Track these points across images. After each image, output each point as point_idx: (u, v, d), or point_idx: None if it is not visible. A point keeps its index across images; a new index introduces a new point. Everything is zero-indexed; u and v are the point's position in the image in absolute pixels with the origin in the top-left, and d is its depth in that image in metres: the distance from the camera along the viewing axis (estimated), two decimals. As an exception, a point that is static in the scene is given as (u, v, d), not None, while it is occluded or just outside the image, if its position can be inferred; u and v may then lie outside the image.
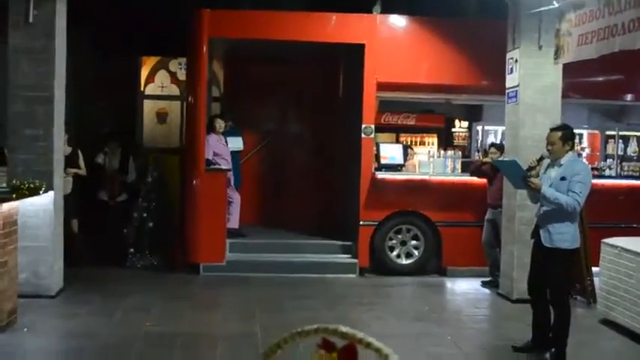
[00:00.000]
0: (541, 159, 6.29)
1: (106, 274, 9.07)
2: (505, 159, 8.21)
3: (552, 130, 6.25)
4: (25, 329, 6.61)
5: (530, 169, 6.24)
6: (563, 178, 5.97)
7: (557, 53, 7.75)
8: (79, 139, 9.71)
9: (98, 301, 7.76)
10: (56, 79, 7.80)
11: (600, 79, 10.31)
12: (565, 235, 5.97)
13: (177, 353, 6.07)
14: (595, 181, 6.92)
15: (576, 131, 8.18)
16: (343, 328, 1.13)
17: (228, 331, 6.85)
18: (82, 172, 9.50)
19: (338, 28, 9.69)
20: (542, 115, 8.33)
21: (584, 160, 6.41)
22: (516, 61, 8.47)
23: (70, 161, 9.03)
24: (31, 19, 7.62)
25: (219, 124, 9.93)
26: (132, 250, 9.75)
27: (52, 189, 7.64)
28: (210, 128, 9.80)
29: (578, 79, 9.59)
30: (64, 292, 8.05)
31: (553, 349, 6.12)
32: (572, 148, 6.17)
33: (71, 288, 8.17)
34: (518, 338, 6.60)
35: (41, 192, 7.18)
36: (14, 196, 6.67)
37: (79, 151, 9.49)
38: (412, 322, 7.52)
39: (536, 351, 6.26)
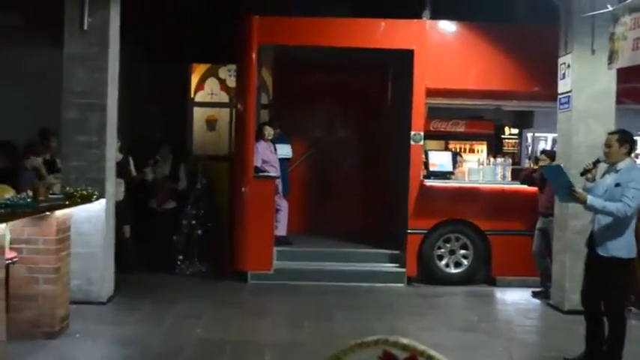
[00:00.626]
0: (597, 162, 6.17)
1: (156, 281, 9.16)
2: (551, 164, 8.03)
3: (610, 133, 6.14)
4: (77, 335, 6.69)
5: (586, 171, 6.13)
6: (617, 185, 5.84)
7: (612, 58, 7.58)
8: (130, 146, 9.84)
9: (148, 308, 7.83)
10: (109, 87, 7.92)
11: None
12: (621, 244, 5.83)
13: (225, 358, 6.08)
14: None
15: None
16: (404, 340, 1.10)
17: (277, 339, 6.85)
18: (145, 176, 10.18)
19: (387, 33, 9.65)
20: (596, 122, 8.16)
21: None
22: (568, 66, 8.32)
23: (122, 168, 9.15)
24: (85, 27, 7.76)
25: (268, 131, 9.96)
26: (181, 257, 9.84)
27: (104, 196, 7.75)
28: (260, 135, 9.83)
29: (633, 84, 9.37)
30: (115, 298, 8.14)
31: None
32: (629, 152, 6.01)
33: (121, 295, 8.27)
34: (571, 350, 6.45)
35: (93, 199, 7.29)
36: (67, 203, 6.77)
37: (130, 158, 9.62)
38: (462, 332, 7.41)
39: None
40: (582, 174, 6.25)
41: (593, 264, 6.09)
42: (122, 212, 8.97)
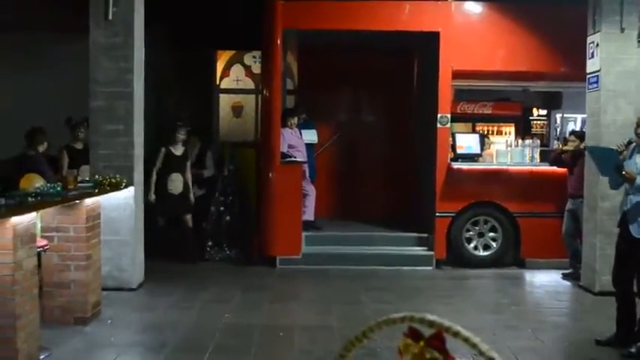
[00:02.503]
0: (629, 143, 6.10)
1: (185, 267, 9.23)
2: (600, 146, 7.85)
3: None
4: (109, 321, 6.78)
5: (619, 153, 6.06)
6: None
7: (641, 35, 7.47)
8: (157, 134, 9.91)
9: (178, 294, 7.90)
10: (135, 75, 7.97)
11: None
12: None
13: (256, 344, 6.12)
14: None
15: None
16: (430, 317, 1.09)
17: (305, 323, 6.87)
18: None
19: (412, 16, 9.58)
20: (625, 101, 8.06)
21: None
22: (597, 45, 8.21)
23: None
24: (110, 16, 7.81)
25: (291, 122, 9.92)
26: (210, 243, 9.90)
27: (132, 184, 7.81)
28: (284, 122, 9.84)
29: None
30: (145, 284, 8.23)
31: (638, 343, 5.91)
32: None
33: (151, 281, 8.35)
34: (601, 331, 6.40)
35: (122, 187, 7.36)
36: (96, 191, 6.84)
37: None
38: (491, 314, 7.39)
39: (621, 345, 6.05)
40: (618, 153, 6.19)
41: (625, 245, 6.03)
42: (181, 203, 9.56)
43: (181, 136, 9.57)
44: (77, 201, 6.42)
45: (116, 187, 7.20)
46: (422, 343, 1.14)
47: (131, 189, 7.79)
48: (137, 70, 8.04)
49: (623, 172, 5.89)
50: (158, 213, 9.55)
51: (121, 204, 7.79)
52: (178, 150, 9.57)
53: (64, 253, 6.50)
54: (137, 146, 8.08)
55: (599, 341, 6.19)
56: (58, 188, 6.10)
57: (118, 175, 7.27)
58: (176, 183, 9.49)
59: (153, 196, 9.32)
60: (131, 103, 7.94)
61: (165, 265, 9.05)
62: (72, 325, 6.47)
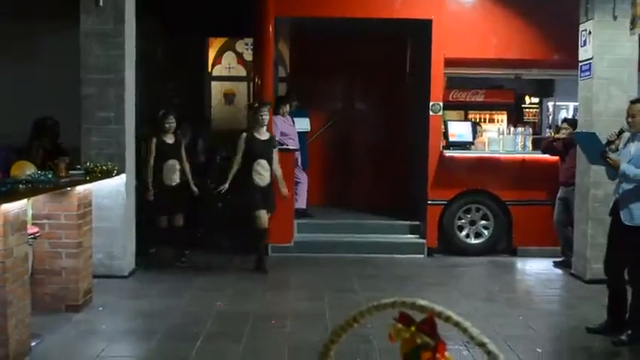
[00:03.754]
0: (621, 132, 6.11)
1: (177, 255, 9.22)
2: (583, 131, 7.91)
3: (632, 102, 6.06)
4: (100, 308, 6.77)
5: (610, 142, 6.07)
6: None
7: (634, 23, 7.46)
8: (149, 121, 9.86)
9: (169, 281, 7.90)
10: (126, 62, 7.94)
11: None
12: None
13: (248, 332, 6.12)
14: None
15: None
16: (421, 302, 1.09)
17: (297, 311, 6.88)
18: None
19: (405, 3, 9.55)
20: (617, 89, 8.06)
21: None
22: (590, 32, 8.20)
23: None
24: (101, 3, 7.76)
25: (283, 109, 9.89)
26: (202, 230, 9.89)
27: (124, 171, 7.79)
28: (275, 111, 9.81)
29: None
30: (137, 272, 8.22)
31: (629, 331, 5.94)
32: None
33: (143, 268, 8.35)
34: (592, 319, 6.44)
35: (114, 174, 7.34)
36: (88, 178, 6.82)
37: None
38: (482, 302, 7.41)
39: (612, 332, 6.08)
40: (606, 145, 6.18)
41: (616, 233, 6.04)
42: (176, 199, 8.78)
43: (170, 124, 8.91)
44: (68, 188, 6.40)
45: (108, 174, 7.19)
46: (413, 328, 1.14)
47: (123, 176, 7.77)
48: (128, 58, 8.01)
49: (608, 159, 5.91)
50: (157, 211, 8.69)
51: (112, 191, 7.77)
52: (170, 138, 8.89)
53: (55, 240, 6.49)
54: (128, 133, 8.06)
55: (590, 329, 6.22)
56: (49, 175, 6.07)
57: (109, 163, 7.25)
58: (171, 173, 8.67)
59: (152, 196, 8.52)
60: (122, 90, 7.91)
61: (157, 253, 9.02)
62: (63, 312, 6.47)
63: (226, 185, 8.37)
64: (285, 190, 8.65)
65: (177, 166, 8.82)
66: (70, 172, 6.78)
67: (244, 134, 8.46)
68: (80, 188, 6.60)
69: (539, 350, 5.84)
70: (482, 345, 1.06)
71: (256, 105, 8.73)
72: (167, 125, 8.80)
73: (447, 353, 1.14)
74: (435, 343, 1.13)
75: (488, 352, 1.06)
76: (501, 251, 9.84)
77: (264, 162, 8.36)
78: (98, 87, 7.87)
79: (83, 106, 7.94)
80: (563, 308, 7.66)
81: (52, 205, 6.44)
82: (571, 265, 8.70)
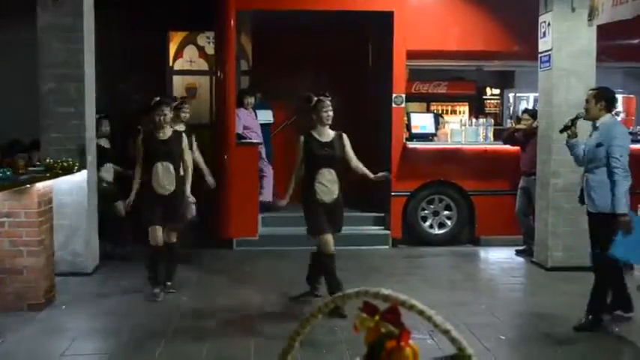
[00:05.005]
0: (576, 118, 6.24)
1: (141, 251, 9.13)
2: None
3: (590, 90, 6.21)
4: (64, 307, 6.69)
5: (566, 128, 6.22)
6: (599, 145, 5.89)
7: (591, 14, 7.59)
8: (111, 116, 9.75)
9: (134, 278, 7.81)
10: (86, 57, 7.84)
11: (636, 41, 10.08)
12: (607, 200, 5.86)
13: (214, 328, 6.10)
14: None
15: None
16: (385, 291, 1.10)
17: (264, 305, 6.87)
18: None
19: (366, -4, 9.57)
20: (577, 80, 8.18)
21: (620, 123, 6.28)
22: (549, 24, 8.31)
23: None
24: (58, -2, 7.66)
25: (248, 100, 9.85)
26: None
27: (85, 167, 7.70)
28: (240, 103, 9.77)
29: (613, 42, 9.38)
30: (100, 269, 8.14)
31: (590, 316, 6.05)
32: (607, 109, 6.02)
33: (106, 265, 8.26)
34: (554, 306, 6.56)
35: (75, 170, 7.24)
36: (48, 175, 6.73)
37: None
38: (447, 291, 7.49)
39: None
40: (562, 131, 6.34)
41: (588, 221, 6.19)
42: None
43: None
44: (28, 185, 6.31)
45: (68, 170, 7.09)
46: (377, 318, 1.15)
47: (83, 172, 7.67)
48: (88, 52, 7.90)
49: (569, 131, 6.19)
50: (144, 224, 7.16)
51: (73, 188, 7.67)
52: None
53: (15, 238, 6.41)
54: (89, 129, 7.97)
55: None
56: (8, 173, 5.98)
57: (70, 159, 7.16)
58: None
59: (126, 207, 7.24)
60: (82, 85, 7.81)
61: (121, 249, 8.93)
62: (26, 311, 6.39)
63: (284, 202, 7.00)
64: None
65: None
66: (30, 168, 6.68)
67: (302, 136, 6.91)
68: (40, 185, 6.51)
69: (503, 337, 5.92)
70: (445, 332, 1.07)
71: (316, 99, 7.03)
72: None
73: (411, 341, 1.15)
74: (399, 331, 1.14)
75: (452, 340, 1.08)
76: (464, 241, 9.94)
77: (328, 171, 6.77)
78: (57, 82, 7.75)
79: (42, 101, 7.82)
80: (524, 296, 7.78)
81: (12, 203, 6.35)
82: (533, 253, 8.82)
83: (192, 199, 7.27)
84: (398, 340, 1.14)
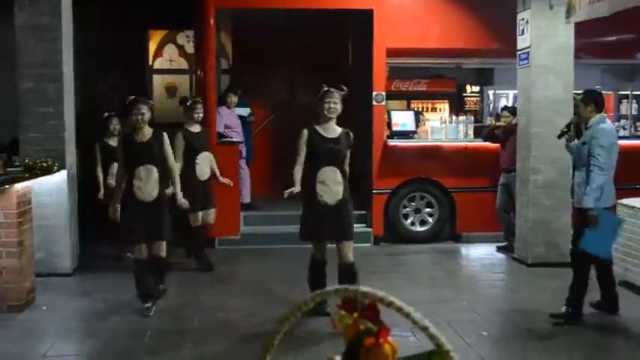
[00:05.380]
0: (570, 124, 6.44)
1: (121, 251, 9.09)
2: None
3: (576, 94, 6.37)
4: (44, 307, 6.65)
5: (563, 133, 6.44)
6: (584, 143, 6.07)
7: (569, 12, 7.65)
8: (92, 116, 9.68)
9: (114, 278, 7.75)
10: (64, 56, 7.78)
11: (613, 38, 10.16)
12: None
13: (195, 327, 6.09)
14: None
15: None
16: (364, 288, 1.10)
17: (246, 304, 6.86)
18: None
19: (345, -6, 9.57)
20: (555, 77, 8.25)
21: (608, 122, 6.36)
22: (527, 22, 8.36)
23: None
24: (35, -5, 7.59)
25: (231, 99, 9.80)
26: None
27: (64, 167, 7.65)
28: (223, 102, 9.73)
29: (590, 39, 9.45)
30: (81, 270, 8.08)
31: (569, 309, 6.11)
32: (597, 110, 6.13)
33: (87, 266, 8.21)
34: (535, 301, 6.60)
35: (54, 171, 7.19)
36: (27, 175, 6.68)
37: None
38: (428, 288, 7.52)
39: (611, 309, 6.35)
40: (559, 137, 6.55)
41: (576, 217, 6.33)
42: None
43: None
44: (7, 186, 6.25)
45: (48, 171, 7.04)
46: (355, 315, 1.15)
47: (63, 173, 7.62)
48: (66, 52, 7.85)
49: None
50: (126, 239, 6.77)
51: (53, 188, 7.62)
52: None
53: (-6, 239, 6.34)
54: (68, 128, 7.91)
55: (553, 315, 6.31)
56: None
57: (49, 159, 7.10)
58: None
59: (117, 213, 6.52)
60: (61, 85, 7.76)
61: (101, 250, 8.88)
62: (6, 312, 6.34)
63: (297, 188, 6.21)
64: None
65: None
66: (8, 169, 6.62)
67: (305, 130, 6.36)
68: (19, 186, 6.46)
69: (485, 333, 5.95)
70: (424, 329, 1.08)
71: (324, 89, 6.51)
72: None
73: (390, 338, 1.16)
74: (377, 328, 1.15)
75: (431, 336, 1.08)
76: (446, 238, 9.98)
77: (331, 170, 6.16)
78: (36, 82, 7.69)
79: (21, 101, 7.76)
80: (506, 292, 7.81)
81: (-9, 204, 6.29)
82: (513, 249, 8.87)
83: (184, 202, 6.87)
84: (377, 337, 1.14)
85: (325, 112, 6.25)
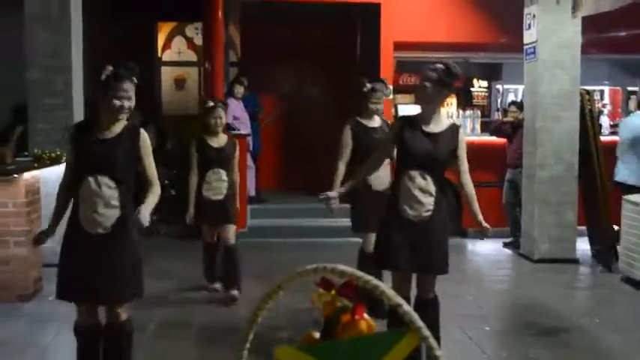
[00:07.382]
0: None
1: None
2: None
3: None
4: (51, 298, 6.68)
5: None
6: None
7: (575, 6, 7.63)
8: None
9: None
10: (73, 47, 7.81)
11: (621, 33, 10.13)
12: None
13: (199, 318, 6.13)
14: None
15: (597, 87, 8.02)
16: (341, 267, 1.13)
17: (250, 296, 6.87)
18: None
19: (354, -13, 9.59)
20: (562, 71, 8.23)
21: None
22: (534, 16, 8.34)
23: None
24: (45, -14, 7.63)
25: (238, 89, 9.86)
26: (154, 217, 9.79)
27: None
28: (230, 93, 9.77)
29: (598, 34, 9.43)
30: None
31: None
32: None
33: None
34: (540, 297, 6.59)
35: (62, 161, 7.23)
36: (36, 165, 6.73)
37: None
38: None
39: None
40: None
41: None
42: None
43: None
44: (15, 175, 6.31)
45: (56, 161, 7.08)
46: (333, 292, 1.18)
47: (71, 163, 7.65)
48: (75, 43, 7.88)
49: None
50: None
51: (61, 178, 7.63)
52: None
53: (3, 228, 6.40)
54: (77, 119, 7.92)
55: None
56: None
57: (57, 150, 7.16)
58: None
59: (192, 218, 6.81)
60: (70, 77, 7.79)
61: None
62: (14, 301, 6.37)
63: (334, 194, 5.52)
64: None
65: None
66: (17, 159, 6.68)
67: (348, 125, 6.13)
68: (28, 175, 6.51)
69: (488, 328, 5.96)
70: (397, 306, 1.11)
71: (370, 86, 6.18)
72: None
73: (365, 315, 1.19)
74: (353, 305, 1.18)
75: (403, 314, 1.11)
76: (452, 233, 9.91)
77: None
78: (44, 73, 7.73)
79: (29, 92, 7.80)
80: (512, 287, 7.83)
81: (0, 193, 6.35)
82: (520, 245, 8.87)
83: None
84: (352, 314, 1.17)
85: (371, 112, 6.14)
